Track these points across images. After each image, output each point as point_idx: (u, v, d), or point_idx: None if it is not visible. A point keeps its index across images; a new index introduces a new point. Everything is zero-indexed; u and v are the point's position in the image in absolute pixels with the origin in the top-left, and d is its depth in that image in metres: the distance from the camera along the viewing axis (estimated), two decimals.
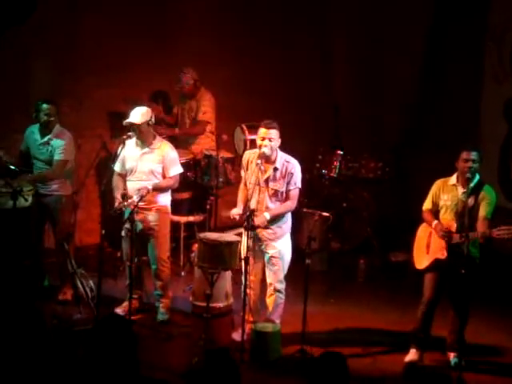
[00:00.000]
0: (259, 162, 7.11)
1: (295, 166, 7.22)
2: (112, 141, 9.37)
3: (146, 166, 7.61)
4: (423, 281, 7.06)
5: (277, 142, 7.13)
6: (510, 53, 9.43)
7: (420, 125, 10.45)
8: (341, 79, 10.70)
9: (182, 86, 9.40)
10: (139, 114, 7.54)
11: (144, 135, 7.58)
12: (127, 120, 7.53)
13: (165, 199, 7.75)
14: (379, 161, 9.92)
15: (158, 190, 7.62)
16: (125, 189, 7.59)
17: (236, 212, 7.25)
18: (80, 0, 9.27)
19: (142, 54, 9.52)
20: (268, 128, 7.09)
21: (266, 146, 7.09)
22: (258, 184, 7.15)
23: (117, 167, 7.68)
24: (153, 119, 7.64)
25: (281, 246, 7.27)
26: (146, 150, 7.63)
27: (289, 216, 7.33)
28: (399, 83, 10.35)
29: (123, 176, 7.70)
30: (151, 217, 7.65)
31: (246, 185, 7.34)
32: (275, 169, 7.15)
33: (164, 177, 7.67)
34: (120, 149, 7.55)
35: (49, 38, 9.08)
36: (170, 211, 7.86)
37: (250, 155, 7.34)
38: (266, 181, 7.15)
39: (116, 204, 7.52)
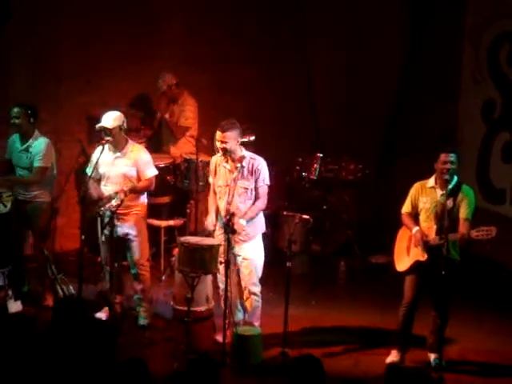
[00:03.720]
0: (227, 165, 7.17)
1: (261, 163, 7.25)
2: (91, 146, 9.34)
3: (119, 170, 7.59)
4: (404, 283, 7.09)
5: (234, 142, 7.14)
6: (487, 54, 9.49)
7: (399, 127, 10.50)
8: (320, 84, 10.72)
9: (160, 92, 9.42)
10: (111, 119, 7.53)
11: (116, 139, 7.56)
12: (99, 124, 7.53)
13: (141, 203, 7.74)
14: (359, 163, 9.95)
15: (135, 192, 7.59)
16: (102, 194, 7.58)
17: (210, 223, 7.27)
18: (59, 5, 9.24)
19: (122, 59, 9.51)
20: (223, 131, 7.12)
21: (221, 148, 7.13)
22: (227, 185, 7.16)
23: (89, 171, 7.64)
24: (125, 124, 7.63)
25: (252, 248, 7.28)
26: (119, 154, 7.62)
27: (260, 216, 7.34)
28: (378, 86, 10.38)
29: (97, 181, 7.68)
30: (129, 221, 7.64)
31: (214, 191, 7.37)
32: (242, 166, 7.16)
33: (139, 180, 7.65)
34: (94, 154, 7.58)
35: (28, 44, 9.06)
36: (146, 215, 7.86)
37: (217, 159, 7.37)
38: (235, 180, 7.16)
39: (98, 208, 7.50)
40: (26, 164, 7.94)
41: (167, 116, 9.52)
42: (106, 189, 7.61)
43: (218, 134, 7.16)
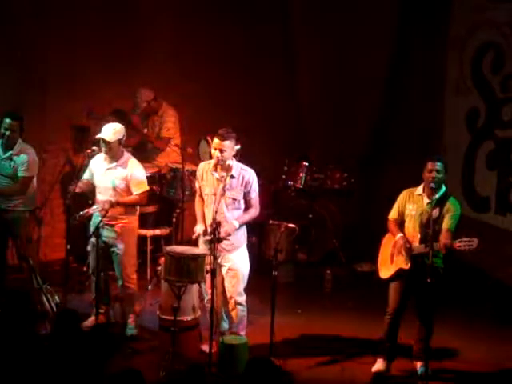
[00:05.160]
0: (216, 173, 7.16)
1: (252, 174, 7.26)
2: (76, 155, 9.32)
3: (110, 181, 7.57)
4: (388, 290, 7.10)
5: (231, 151, 7.15)
6: (471, 63, 9.54)
7: (384, 136, 10.53)
8: (306, 91, 10.74)
9: (138, 111, 9.47)
10: (112, 131, 7.50)
11: (113, 152, 7.55)
12: (99, 135, 7.50)
13: (131, 215, 7.69)
14: (344, 172, 9.97)
15: (123, 205, 7.58)
16: (92, 200, 7.56)
17: (200, 228, 7.26)
18: (44, 13, 9.22)
19: (107, 68, 9.49)
20: (222, 140, 7.11)
21: (219, 157, 7.11)
22: (215, 194, 7.17)
23: (86, 176, 7.68)
24: (124, 138, 7.62)
25: (237, 258, 7.28)
26: (112, 165, 7.60)
27: (244, 227, 7.34)
28: (364, 95, 10.42)
29: (92, 187, 7.68)
30: (115, 233, 7.61)
31: (201, 197, 7.36)
32: (232, 177, 7.16)
33: (129, 194, 7.62)
34: (92, 161, 7.61)
35: (13, 51, 9.04)
36: (136, 228, 7.83)
37: (204, 166, 7.36)
38: (223, 189, 7.16)
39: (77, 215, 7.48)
40: (9, 172, 7.90)
41: (145, 131, 9.53)
42: (99, 196, 7.60)
43: (217, 142, 7.13)
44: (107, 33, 9.52)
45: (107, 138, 7.46)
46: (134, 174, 7.61)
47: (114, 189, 7.56)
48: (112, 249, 7.63)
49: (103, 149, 7.52)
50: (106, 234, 7.55)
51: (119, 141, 7.53)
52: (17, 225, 7.97)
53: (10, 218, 7.94)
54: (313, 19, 10.54)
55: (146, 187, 7.73)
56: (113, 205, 7.42)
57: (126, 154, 7.71)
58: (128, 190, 7.60)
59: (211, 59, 10.08)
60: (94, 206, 7.43)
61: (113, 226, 7.58)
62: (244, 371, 4.87)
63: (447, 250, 6.76)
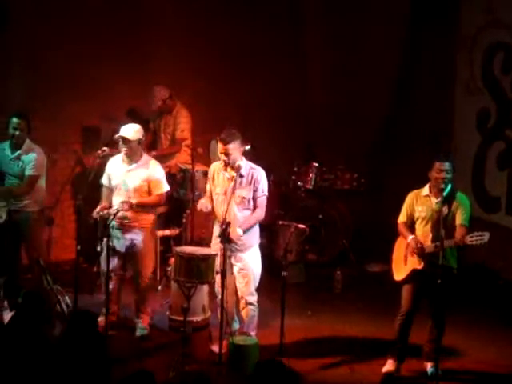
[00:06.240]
0: (226, 173, 7.17)
1: (260, 173, 7.26)
2: (86, 156, 9.35)
3: (131, 182, 7.58)
4: (401, 292, 7.08)
5: (237, 152, 7.16)
6: (482, 63, 9.52)
7: (394, 136, 10.52)
8: (317, 90, 10.75)
9: (155, 105, 9.46)
10: (132, 130, 7.53)
11: (133, 152, 7.56)
12: (119, 134, 7.52)
13: (149, 216, 7.72)
14: (354, 172, 9.96)
15: (142, 206, 7.59)
16: (110, 204, 7.58)
17: (205, 202, 7.26)
18: (54, 13, 9.25)
19: (117, 68, 9.51)
20: (225, 144, 7.11)
21: (225, 160, 7.14)
22: (225, 193, 7.17)
23: (104, 181, 7.70)
24: (143, 138, 7.65)
25: (249, 258, 7.28)
26: (133, 166, 7.60)
27: (256, 226, 7.34)
28: (374, 95, 10.41)
29: (110, 190, 7.69)
30: (135, 234, 7.63)
31: (210, 197, 7.36)
32: (241, 175, 7.17)
33: (150, 194, 7.65)
34: (108, 164, 7.62)
35: (23, 51, 9.07)
36: (154, 229, 7.85)
37: (215, 167, 7.38)
38: (233, 189, 7.17)
39: (94, 212, 7.50)
40: (18, 172, 7.92)
41: (154, 153, 9.51)
42: (116, 199, 7.60)
43: (221, 146, 7.15)
44: (118, 32, 9.55)
45: (129, 136, 7.47)
46: (155, 174, 7.63)
47: (135, 190, 7.57)
48: (131, 250, 7.65)
49: (123, 149, 7.53)
50: (125, 235, 7.58)
51: (139, 140, 7.56)
52: (26, 225, 7.99)
53: (19, 218, 7.97)
54: (324, 19, 10.56)
55: (167, 187, 7.76)
56: (132, 206, 7.45)
57: (145, 155, 7.73)
58: (148, 191, 7.62)
59: (222, 58, 10.09)
60: (114, 207, 7.44)
61: (132, 227, 7.60)
62: (253, 373, 4.88)
63: (460, 247, 6.73)
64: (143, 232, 7.66)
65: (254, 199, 7.23)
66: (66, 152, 9.41)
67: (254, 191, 7.21)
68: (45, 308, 5.74)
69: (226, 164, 7.17)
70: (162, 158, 9.45)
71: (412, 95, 10.30)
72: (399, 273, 7.10)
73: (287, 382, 4.72)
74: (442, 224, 6.73)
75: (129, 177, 7.60)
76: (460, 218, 6.84)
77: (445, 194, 6.88)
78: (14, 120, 7.84)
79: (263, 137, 9.90)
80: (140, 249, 7.66)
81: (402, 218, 7.10)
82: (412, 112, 10.27)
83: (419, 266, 6.90)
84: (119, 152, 7.65)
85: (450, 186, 6.92)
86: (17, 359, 5.02)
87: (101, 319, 7.61)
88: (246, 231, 7.17)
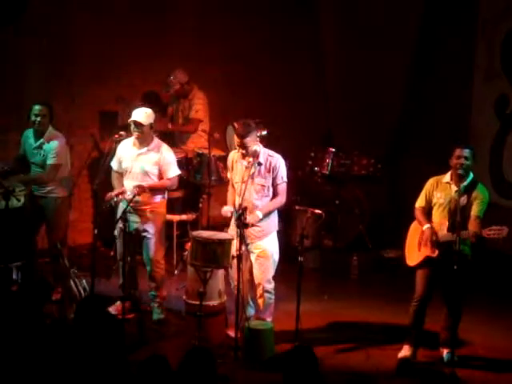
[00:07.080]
0: (244, 161, 7.17)
1: (279, 160, 7.24)
2: (103, 140, 9.37)
3: (141, 166, 7.60)
4: (415, 277, 7.08)
5: (254, 143, 7.15)
6: (501, 49, 9.44)
7: (412, 122, 10.47)
8: (333, 76, 10.71)
9: (170, 91, 9.45)
10: (145, 115, 7.53)
11: (144, 136, 7.57)
12: (132, 118, 7.52)
13: (160, 200, 7.73)
14: (371, 158, 9.93)
15: (154, 189, 7.62)
16: (122, 187, 7.60)
17: (228, 209, 7.27)
18: (73, 2, 9.27)
19: (135, 54, 9.54)
20: (242, 138, 7.10)
21: (243, 152, 7.15)
22: (244, 181, 7.16)
23: (114, 165, 7.71)
24: (155, 122, 7.65)
25: (268, 245, 7.27)
26: (143, 150, 7.62)
27: (275, 213, 7.34)
28: (391, 81, 10.35)
29: (120, 174, 7.71)
30: (146, 218, 7.64)
31: (233, 186, 7.37)
32: (259, 163, 7.15)
33: (161, 178, 7.66)
34: (119, 148, 7.62)
35: (41, 38, 9.09)
36: (165, 213, 7.85)
37: (234, 155, 7.38)
38: (252, 177, 7.16)
39: (107, 197, 7.52)
40: (40, 162, 7.95)
41: (170, 126, 9.54)
42: (127, 182, 7.62)
43: (237, 140, 7.15)
44: (134, 21, 9.54)
45: (141, 120, 7.48)
46: (166, 158, 7.64)
47: (146, 174, 7.59)
48: (142, 234, 7.67)
49: (135, 133, 7.54)
50: (136, 218, 7.59)
51: (151, 125, 7.57)
52: (49, 210, 8.03)
53: (43, 204, 8.03)
54: (341, 5, 10.50)
55: (178, 171, 7.77)
56: (144, 190, 7.46)
57: (156, 139, 7.73)
58: (159, 175, 7.63)
59: (237, 47, 10.07)
60: (128, 193, 7.46)
61: (143, 210, 7.61)
62: (285, 358, 4.90)
63: (477, 239, 6.73)
64: (154, 216, 7.66)
65: (274, 186, 7.22)
66: (83, 136, 9.43)
67: (274, 178, 7.20)
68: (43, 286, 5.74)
69: (244, 154, 7.17)
70: (178, 143, 9.53)
71: (429, 82, 10.24)
72: (412, 258, 7.08)
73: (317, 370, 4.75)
74: (458, 213, 6.70)
75: (140, 161, 7.61)
76: (476, 209, 6.80)
77: (465, 183, 6.85)
78: (36, 107, 7.85)
79: (279, 123, 9.88)
80: (151, 234, 7.66)
81: (420, 202, 7.07)
82: (429, 99, 10.20)
83: (433, 254, 6.87)
84: None
85: (471, 176, 6.89)
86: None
87: (117, 303, 7.68)
88: (265, 216, 7.17)
